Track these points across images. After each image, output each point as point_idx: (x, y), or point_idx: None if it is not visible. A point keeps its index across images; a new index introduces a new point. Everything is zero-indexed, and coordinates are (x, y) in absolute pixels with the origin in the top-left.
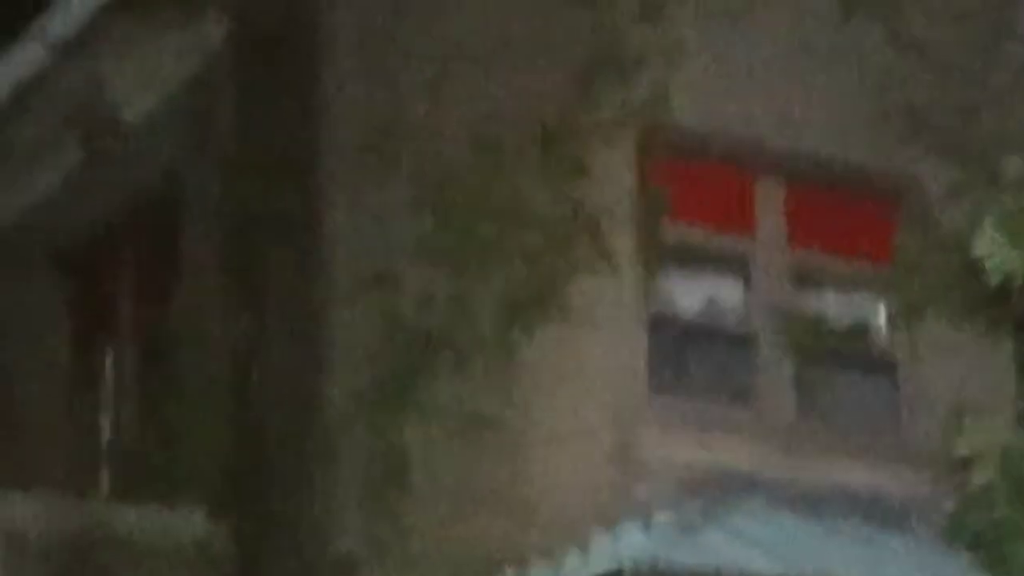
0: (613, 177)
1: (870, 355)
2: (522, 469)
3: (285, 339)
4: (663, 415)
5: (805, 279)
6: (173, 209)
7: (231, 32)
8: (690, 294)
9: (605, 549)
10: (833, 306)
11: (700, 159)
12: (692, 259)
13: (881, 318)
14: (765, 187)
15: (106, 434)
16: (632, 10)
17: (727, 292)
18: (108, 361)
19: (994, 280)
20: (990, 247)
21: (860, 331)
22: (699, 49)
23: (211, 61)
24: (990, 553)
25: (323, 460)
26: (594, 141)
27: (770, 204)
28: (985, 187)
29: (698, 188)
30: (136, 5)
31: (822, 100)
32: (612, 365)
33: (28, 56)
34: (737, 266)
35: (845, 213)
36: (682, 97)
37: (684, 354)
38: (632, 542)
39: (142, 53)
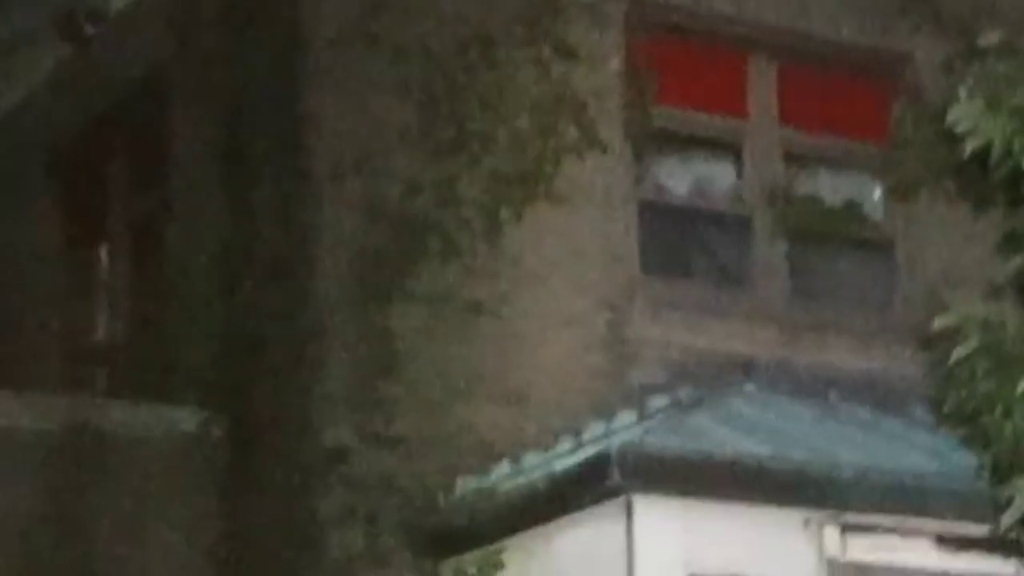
0: (600, 58)
1: (864, 235)
2: (513, 355)
3: (272, 229)
4: (655, 298)
5: (798, 159)
6: (161, 101)
7: None
8: (681, 176)
9: (594, 435)
10: (827, 186)
11: (690, 39)
12: (683, 141)
13: (875, 197)
14: (757, 66)
15: (101, 332)
16: None
17: (719, 174)
18: (102, 258)
19: (970, 148)
20: (965, 115)
21: (854, 211)
22: None
23: None
24: (973, 428)
25: (311, 350)
26: (581, 21)
27: (762, 83)
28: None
29: (688, 68)
30: None
31: None
32: (602, 249)
33: None
34: (729, 147)
35: (838, 92)
36: None
37: (676, 237)
38: (621, 427)
39: None
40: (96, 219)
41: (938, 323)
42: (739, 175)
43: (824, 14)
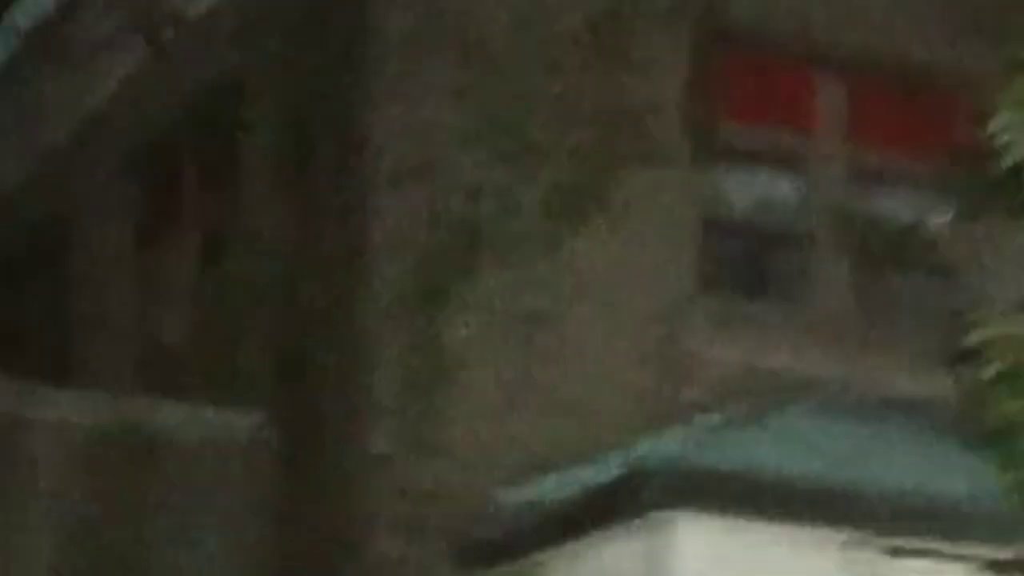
0: (666, 71)
1: (929, 256)
2: (567, 368)
3: (331, 233)
4: (712, 315)
5: (864, 178)
6: (233, 105)
7: None
8: (745, 192)
9: (643, 450)
10: (893, 205)
11: (757, 54)
12: (747, 156)
13: (942, 217)
14: (824, 83)
15: (167, 334)
16: None
17: (783, 190)
18: (173, 261)
19: (1006, 162)
20: (1005, 127)
21: (919, 231)
22: None
23: None
24: (999, 450)
25: (362, 356)
26: (647, 33)
27: (829, 101)
28: None
29: (755, 83)
30: None
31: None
32: (660, 263)
33: None
34: (794, 164)
35: (907, 109)
36: None
37: (737, 253)
38: (671, 443)
39: None
40: (170, 222)
41: (969, 341)
42: (803, 192)
43: (892, 31)
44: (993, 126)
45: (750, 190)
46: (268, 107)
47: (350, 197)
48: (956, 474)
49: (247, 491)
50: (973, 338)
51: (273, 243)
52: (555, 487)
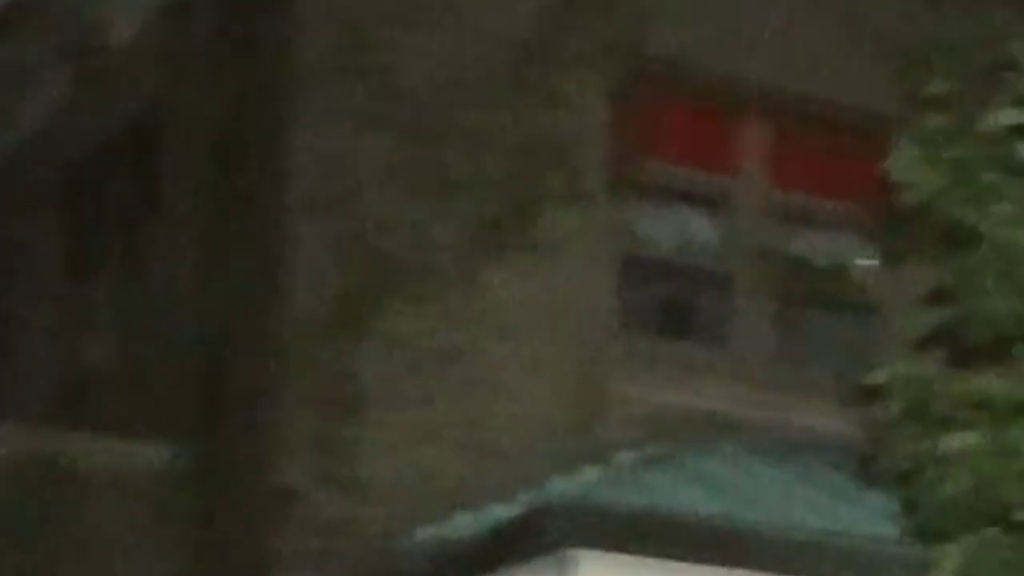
0: (587, 108)
1: (850, 297)
2: (483, 404)
3: (247, 263)
4: (632, 354)
5: (786, 218)
6: (156, 134)
7: None
8: (667, 231)
9: (559, 488)
10: (814, 247)
11: (681, 93)
12: (669, 195)
13: (863, 259)
14: (748, 124)
15: (85, 364)
16: None
17: (706, 230)
18: (94, 290)
19: (911, 200)
20: (903, 167)
21: (841, 272)
22: None
23: None
24: (903, 491)
25: (274, 388)
26: (569, 70)
27: (753, 142)
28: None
29: (678, 123)
30: None
31: (808, 36)
32: (581, 301)
33: None
34: (717, 204)
35: (829, 152)
36: (663, 29)
37: (658, 292)
38: (586, 482)
39: None
40: (92, 251)
41: (868, 381)
42: (726, 232)
43: (817, 74)
44: (893, 164)
45: (672, 229)
46: (190, 136)
47: (265, 228)
48: (864, 515)
49: (160, 522)
50: (874, 378)
51: (189, 272)
52: (467, 524)
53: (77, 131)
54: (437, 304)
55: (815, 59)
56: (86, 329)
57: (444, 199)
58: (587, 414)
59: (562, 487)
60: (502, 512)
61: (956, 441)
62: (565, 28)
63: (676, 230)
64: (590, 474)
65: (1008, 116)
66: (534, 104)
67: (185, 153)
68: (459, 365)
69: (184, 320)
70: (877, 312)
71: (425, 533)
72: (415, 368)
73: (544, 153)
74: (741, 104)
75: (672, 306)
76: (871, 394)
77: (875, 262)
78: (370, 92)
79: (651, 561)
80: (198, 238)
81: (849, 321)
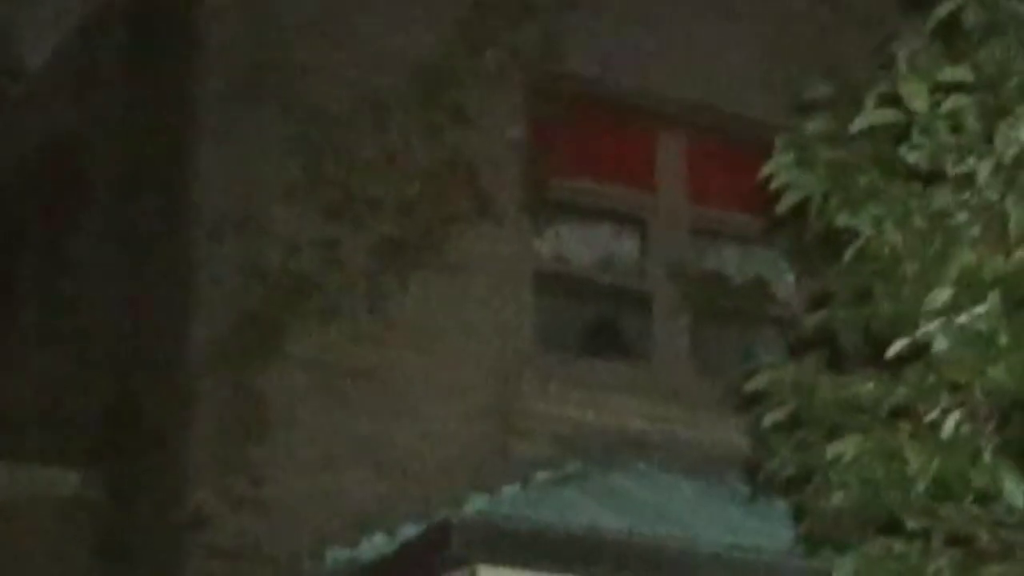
0: (498, 126)
1: (770, 313)
2: (395, 424)
3: (155, 288)
4: (548, 371)
5: (705, 235)
6: (71, 158)
7: None
8: (584, 248)
9: (474, 507)
10: (733, 263)
11: (596, 110)
12: (585, 212)
13: (782, 274)
14: (665, 140)
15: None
16: None
17: (623, 246)
18: (10, 317)
19: (786, 202)
20: (779, 170)
21: (760, 288)
22: None
23: (102, 5)
24: (789, 499)
25: (181, 412)
26: (481, 89)
27: (670, 158)
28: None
29: (593, 140)
30: None
31: (726, 51)
32: (494, 319)
33: None
34: (634, 220)
35: (747, 168)
36: (576, 45)
37: (574, 310)
38: (501, 500)
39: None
40: (10, 278)
41: (748, 387)
42: (643, 249)
43: (733, 90)
44: (769, 169)
45: (590, 247)
46: (101, 163)
47: (173, 250)
48: (772, 527)
49: (71, 548)
50: (754, 384)
51: (100, 298)
52: (379, 545)
53: None
54: (346, 324)
55: (731, 75)
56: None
57: (352, 219)
58: (503, 433)
59: (477, 506)
60: (410, 532)
61: (840, 447)
62: (476, 47)
63: (594, 247)
64: (506, 493)
65: (879, 116)
66: (445, 123)
67: (96, 179)
68: (369, 385)
69: (95, 345)
70: (797, 327)
71: (337, 555)
72: (324, 389)
73: (455, 172)
74: (657, 120)
75: (590, 324)
76: (753, 401)
77: (789, 275)
78: (277, 114)
79: None
80: (109, 263)
81: (769, 336)
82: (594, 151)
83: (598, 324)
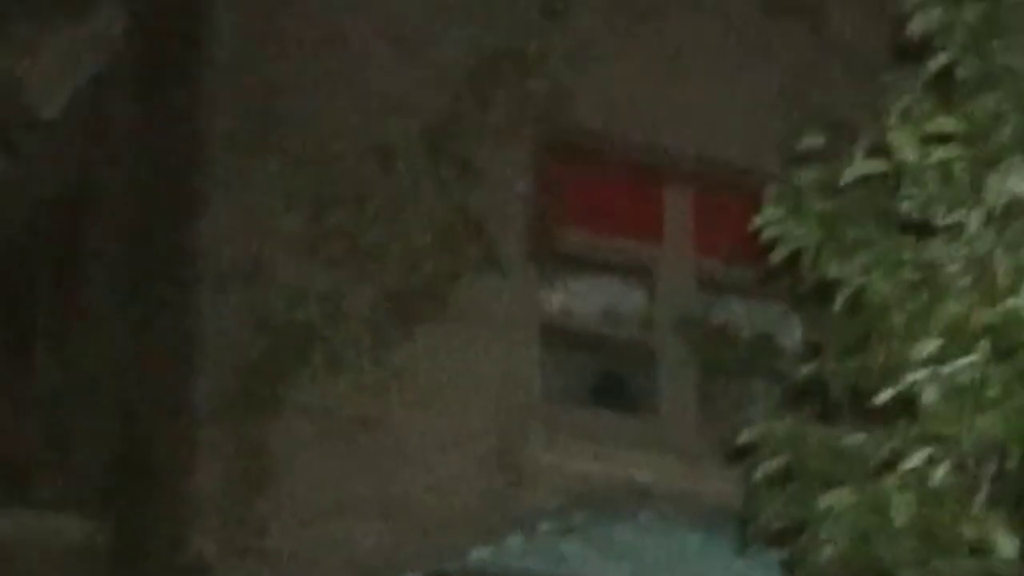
0: (505, 179)
1: (777, 367)
2: (399, 474)
3: (160, 337)
4: (554, 424)
5: (711, 288)
6: (83, 206)
7: (128, 27)
8: (590, 301)
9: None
10: (740, 316)
11: (603, 163)
12: (593, 265)
13: (790, 328)
14: (672, 193)
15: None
16: (533, 5)
17: (630, 299)
18: (23, 364)
19: (779, 255)
20: (771, 221)
21: (767, 342)
22: (604, 48)
23: (113, 57)
24: (783, 550)
25: (185, 461)
26: (488, 141)
27: (677, 211)
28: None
29: (601, 193)
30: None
31: (733, 105)
32: (499, 371)
33: None
34: (641, 273)
35: (751, 220)
36: (584, 98)
37: (581, 362)
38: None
39: (54, 50)
40: (23, 327)
41: (741, 439)
42: (651, 301)
43: (740, 143)
44: (761, 220)
45: (596, 299)
46: (109, 213)
47: (178, 300)
48: None
49: None
50: (746, 437)
51: (107, 347)
52: None
53: (9, 207)
54: (350, 375)
55: (737, 128)
56: (8, 405)
57: (357, 270)
58: (507, 484)
59: (479, 556)
60: None
61: (831, 499)
62: (484, 99)
63: (600, 300)
64: (509, 544)
65: (868, 166)
66: (452, 175)
67: (107, 230)
68: (373, 436)
69: (103, 395)
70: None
71: None
72: (328, 439)
73: (462, 224)
74: (663, 173)
75: (596, 376)
76: (744, 453)
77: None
78: (283, 164)
79: None
80: (118, 313)
81: (776, 390)
82: (601, 204)
83: (604, 376)
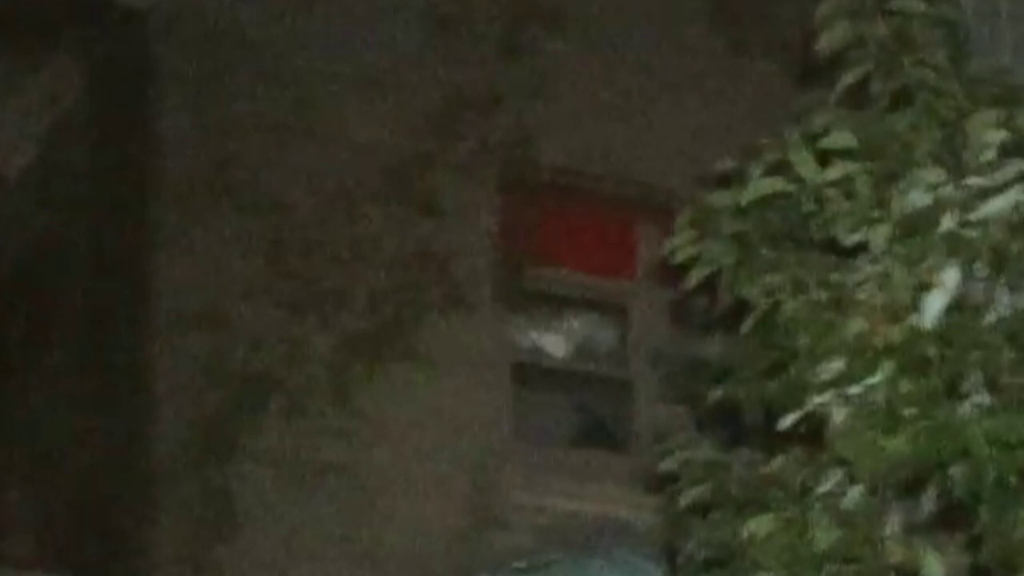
0: (471, 217)
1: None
2: (366, 517)
3: (119, 385)
4: (528, 462)
5: (685, 323)
6: (49, 261)
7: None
8: (563, 337)
9: None
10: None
11: (572, 198)
12: (564, 301)
13: None
14: (643, 227)
15: None
16: (495, 43)
17: (603, 335)
18: None
19: (696, 276)
20: (683, 244)
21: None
22: (569, 85)
23: (66, 111)
24: None
25: (146, 511)
26: (453, 179)
27: (649, 245)
28: None
29: (571, 228)
30: None
31: (701, 138)
32: (468, 411)
33: None
34: (614, 309)
35: None
36: (549, 134)
37: (554, 400)
38: None
39: (10, 107)
40: None
41: (662, 467)
42: (624, 337)
43: (710, 176)
44: (673, 245)
45: (569, 335)
46: (69, 264)
47: (134, 347)
48: None
49: None
50: (664, 466)
51: (69, 399)
52: None
53: None
54: (311, 420)
55: (707, 161)
56: None
57: (317, 313)
58: (480, 525)
59: None
60: None
61: (752, 526)
62: (446, 138)
63: (573, 336)
64: None
65: (766, 185)
66: (415, 214)
67: (67, 282)
68: (338, 480)
69: (60, 448)
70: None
71: None
72: (291, 485)
73: (426, 263)
74: (635, 206)
75: (570, 413)
76: (667, 480)
77: None
78: (238, 207)
79: None
80: (77, 364)
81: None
82: (570, 240)
83: (579, 413)
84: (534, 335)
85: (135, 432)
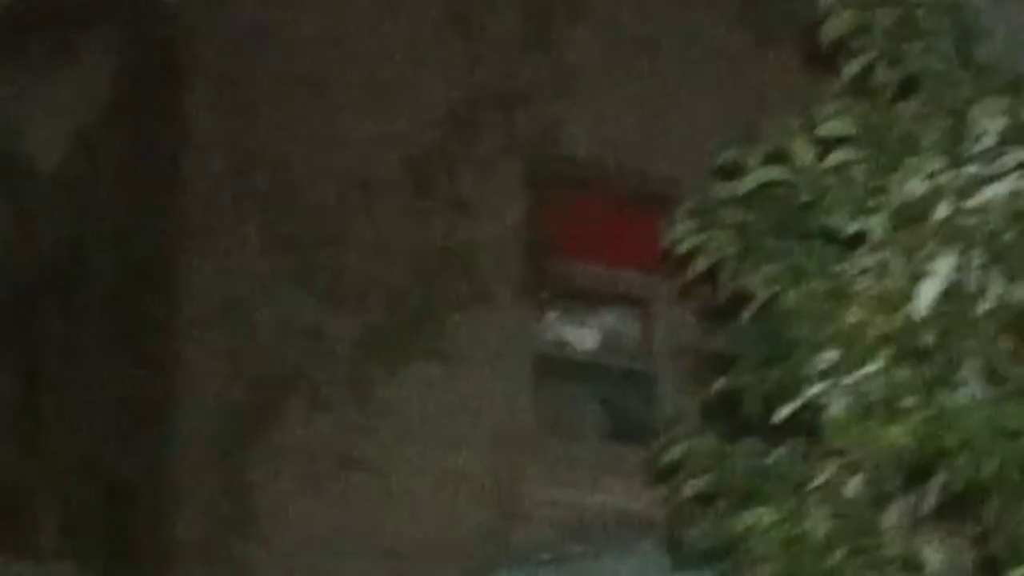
0: (495, 212)
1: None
2: (389, 512)
3: (141, 380)
4: (551, 456)
5: (709, 317)
6: (75, 257)
7: (114, 77)
8: (586, 331)
9: None
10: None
11: (597, 192)
12: (587, 295)
13: None
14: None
15: None
16: (519, 37)
17: (626, 329)
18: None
19: (699, 266)
20: (684, 234)
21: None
22: (594, 79)
23: (100, 107)
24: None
25: (168, 505)
26: (476, 173)
27: None
28: None
29: (595, 222)
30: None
31: (725, 130)
32: (492, 405)
33: None
34: (638, 303)
35: None
36: (573, 128)
37: (578, 394)
38: None
39: (47, 98)
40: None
41: (666, 459)
42: (648, 330)
43: None
44: (673, 235)
45: (592, 329)
46: (103, 261)
47: (159, 341)
48: None
49: None
50: (666, 457)
51: (90, 393)
52: None
53: (11, 261)
54: (334, 414)
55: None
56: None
57: (340, 307)
58: (502, 518)
59: None
60: None
61: (753, 517)
62: (472, 131)
63: (596, 330)
64: None
65: (764, 174)
66: (439, 209)
67: (97, 277)
68: (360, 475)
69: (82, 444)
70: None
71: None
72: (313, 480)
73: (450, 258)
74: (660, 200)
75: (594, 407)
76: (669, 472)
77: None
78: (264, 204)
79: None
80: (105, 358)
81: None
82: (594, 234)
83: (602, 406)
84: (558, 329)
85: (159, 427)
